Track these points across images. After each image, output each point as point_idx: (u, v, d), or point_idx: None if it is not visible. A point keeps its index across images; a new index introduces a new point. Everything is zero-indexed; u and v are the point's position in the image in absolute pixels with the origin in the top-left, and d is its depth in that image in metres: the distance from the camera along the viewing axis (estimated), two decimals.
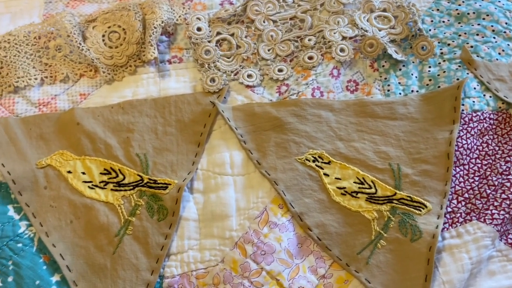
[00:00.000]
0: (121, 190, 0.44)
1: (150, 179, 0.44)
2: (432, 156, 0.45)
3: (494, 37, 0.51)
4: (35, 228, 0.42)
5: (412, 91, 0.49)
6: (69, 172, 0.44)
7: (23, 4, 0.53)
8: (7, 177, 0.44)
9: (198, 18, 0.52)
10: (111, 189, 0.44)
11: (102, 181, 0.44)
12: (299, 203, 0.44)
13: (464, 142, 0.46)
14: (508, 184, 0.43)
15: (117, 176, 0.45)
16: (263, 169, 0.45)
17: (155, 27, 0.48)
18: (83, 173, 0.45)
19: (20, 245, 0.42)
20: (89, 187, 0.44)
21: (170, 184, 0.44)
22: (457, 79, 0.49)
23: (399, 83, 0.50)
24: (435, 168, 0.44)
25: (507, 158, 0.45)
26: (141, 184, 0.44)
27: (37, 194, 0.44)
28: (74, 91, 0.49)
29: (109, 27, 0.50)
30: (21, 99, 0.49)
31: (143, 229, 0.42)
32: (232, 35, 0.51)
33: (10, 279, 0.40)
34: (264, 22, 0.52)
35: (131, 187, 0.44)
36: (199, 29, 0.51)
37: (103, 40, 0.49)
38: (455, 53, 0.51)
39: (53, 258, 0.41)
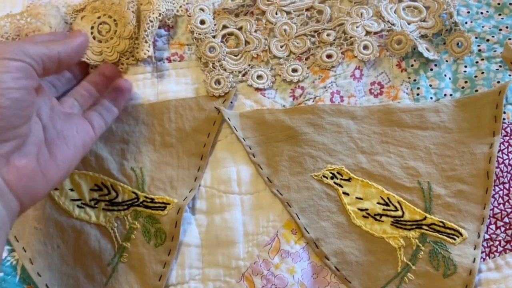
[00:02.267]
0: (114, 210, 0.39)
1: (146, 197, 0.39)
2: (468, 174, 0.39)
3: None
4: (18, 253, 0.38)
5: (445, 95, 0.43)
6: (55, 189, 0.39)
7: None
8: None
9: (202, 9, 0.45)
10: (103, 209, 0.39)
11: (93, 199, 0.39)
12: (315, 227, 0.38)
13: (506, 157, 0.40)
14: None
15: (109, 193, 0.40)
16: (274, 187, 0.40)
17: (151, 21, 0.42)
18: (71, 189, 0.40)
19: (1, 274, 0.37)
20: (78, 206, 0.39)
21: (169, 204, 0.39)
22: (498, 82, 0.42)
23: (430, 85, 0.43)
24: (472, 188, 0.39)
25: None
26: (136, 203, 0.39)
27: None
28: None
29: (98, 18, 0.44)
30: None
31: (139, 256, 0.38)
32: (240, 29, 0.45)
33: None
34: (276, 13, 0.45)
35: (125, 207, 0.39)
36: (202, 22, 0.44)
37: (92, 33, 0.43)
38: (495, 51, 0.44)
39: None
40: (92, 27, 0.43)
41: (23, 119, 0.30)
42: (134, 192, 0.40)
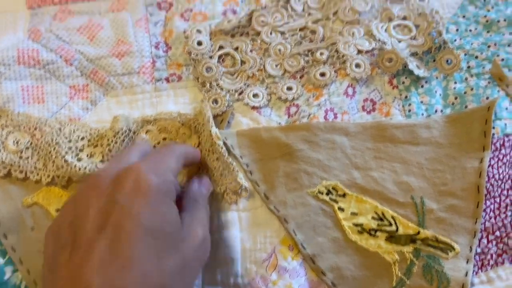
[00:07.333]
0: None
1: None
2: (460, 188, 0.40)
3: None
4: (22, 276, 0.39)
5: (436, 111, 0.44)
6: (57, 210, 0.40)
7: (7, 17, 0.48)
8: None
9: (199, 31, 0.47)
10: None
11: None
12: (311, 243, 0.39)
13: (495, 171, 0.41)
14: None
15: None
16: (271, 204, 0.41)
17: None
18: None
19: None
20: None
21: None
22: (487, 98, 0.44)
23: (421, 102, 0.45)
24: (464, 202, 0.40)
25: None
26: None
27: (24, 237, 0.40)
28: (62, 115, 0.44)
29: (164, 139, 0.43)
30: None
31: None
32: (236, 49, 0.46)
33: None
34: (271, 34, 0.47)
35: None
36: (199, 43, 0.46)
37: None
38: (484, 67, 0.45)
39: None
40: (154, 146, 0.42)
41: None
42: None
